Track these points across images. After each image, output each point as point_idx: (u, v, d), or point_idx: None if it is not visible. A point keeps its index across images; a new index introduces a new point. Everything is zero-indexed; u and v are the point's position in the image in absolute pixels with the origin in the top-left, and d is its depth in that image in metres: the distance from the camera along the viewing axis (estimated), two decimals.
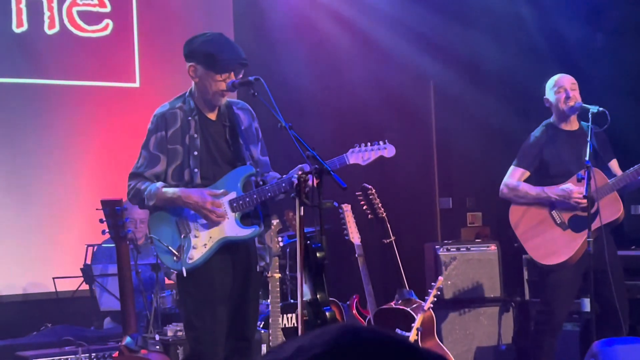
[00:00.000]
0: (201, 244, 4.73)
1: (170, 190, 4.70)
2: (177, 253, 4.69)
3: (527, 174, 6.10)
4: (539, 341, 6.06)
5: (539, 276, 6.31)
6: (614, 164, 6.13)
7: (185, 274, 4.68)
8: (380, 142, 4.90)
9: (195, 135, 4.76)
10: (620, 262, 6.04)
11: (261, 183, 4.85)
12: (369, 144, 4.87)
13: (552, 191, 5.97)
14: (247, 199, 4.74)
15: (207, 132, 4.80)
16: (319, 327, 3.94)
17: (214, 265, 4.74)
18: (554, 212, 6.01)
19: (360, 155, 4.83)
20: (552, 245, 5.98)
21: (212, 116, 4.85)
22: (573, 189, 5.88)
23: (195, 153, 4.75)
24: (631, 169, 5.90)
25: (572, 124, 6.12)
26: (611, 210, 5.73)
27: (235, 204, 4.75)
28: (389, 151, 4.93)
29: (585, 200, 5.71)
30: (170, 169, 4.77)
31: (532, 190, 6.02)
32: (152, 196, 4.70)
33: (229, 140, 4.84)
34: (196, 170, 4.74)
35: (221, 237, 4.75)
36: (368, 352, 1.34)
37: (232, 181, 4.78)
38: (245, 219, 4.81)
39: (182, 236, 4.71)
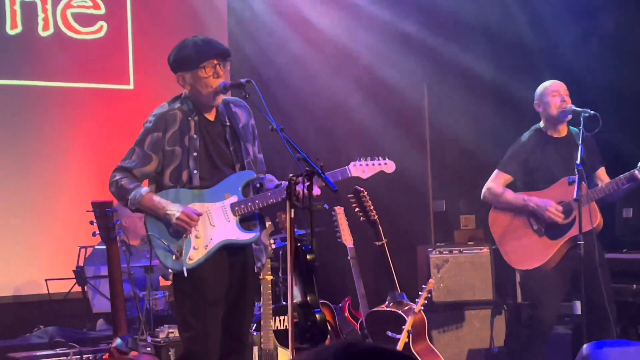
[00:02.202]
0: (202, 244, 4.73)
1: (156, 200, 4.71)
2: (176, 252, 4.69)
3: (510, 179, 6.14)
4: (528, 344, 6.07)
5: (523, 280, 6.31)
6: (601, 173, 6.14)
7: (185, 274, 4.69)
8: (381, 158, 5.11)
9: (195, 136, 4.76)
10: (607, 265, 6.05)
11: (258, 185, 4.87)
12: (368, 158, 5.04)
13: (532, 199, 5.99)
14: (249, 204, 4.77)
15: (206, 133, 4.81)
16: (309, 329, 3.93)
17: (211, 265, 4.74)
18: (531, 218, 6.02)
19: (361, 169, 5.02)
20: (527, 250, 5.99)
21: (211, 117, 4.86)
22: (550, 203, 5.90)
23: (195, 154, 4.75)
24: (611, 181, 5.91)
25: (562, 131, 6.13)
26: (587, 220, 5.70)
27: (237, 208, 4.76)
28: (389, 167, 5.15)
29: (559, 217, 5.85)
30: (168, 171, 4.76)
31: (513, 199, 6.06)
32: (136, 202, 4.71)
33: (229, 141, 4.85)
34: (195, 171, 4.74)
35: (222, 239, 4.75)
36: None
37: (233, 185, 4.79)
38: (243, 222, 4.82)
39: (183, 236, 4.72)
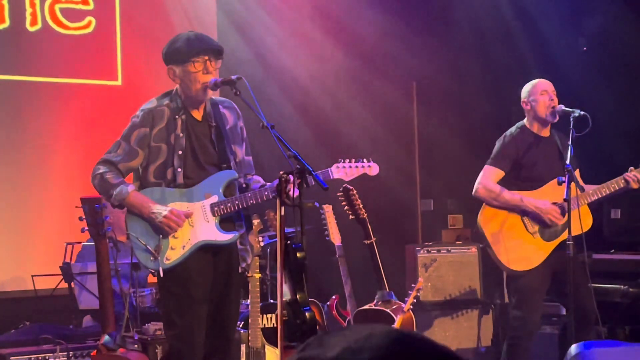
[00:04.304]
0: (179, 245, 4.71)
1: (142, 198, 4.69)
2: (154, 252, 4.67)
3: (502, 174, 6.02)
4: (515, 346, 6.04)
5: (508, 280, 6.22)
6: (576, 175, 6.13)
7: (162, 274, 4.67)
8: (365, 160, 5.00)
9: (181, 135, 4.75)
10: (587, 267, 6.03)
11: (244, 186, 4.85)
12: (353, 160, 4.95)
13: (531, 202, 5.92)
14: (229, 204, 4.73)
15: (192, 132, 4.79)
16: (299, 327, 3.89)
17: (196, 264, 4.73)
18: (525, 219, 5.97)
19: (344, 171, 4.91)
20: (522, 251, 5.93)
21: (198, 116, 4.83)
22: (551, 207, 5.87)
23: (180, 152, 4.73)
24: (604, 185, 5.91)
25: (546, 130, 6.11)
26: (578, 223, 5.68)
27: (216, 208, 4.74)
28: (372, 169, 5.03)
29: (559, 221, 5.82)
30: (152, 167, 4.75)
31: (511, 199, 5.94)
32: (120, 198, 4.68)
33: (215, 141, 4.82)
34: (179, 170, 4.73)
35: (200, 240, 4.73)
36: None
37: (214, 185, 4.77)
38: (225, 223, 4.80)
39: (161, 236, 4.69)
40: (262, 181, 4.91)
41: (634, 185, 5.91)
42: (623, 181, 5.91)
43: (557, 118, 6.02)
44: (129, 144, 4.76)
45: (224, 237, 4.77)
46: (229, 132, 4.85)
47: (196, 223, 4.74)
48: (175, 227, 4.67)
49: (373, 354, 1.30)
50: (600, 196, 5.93)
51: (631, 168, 5.92)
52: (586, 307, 5.78)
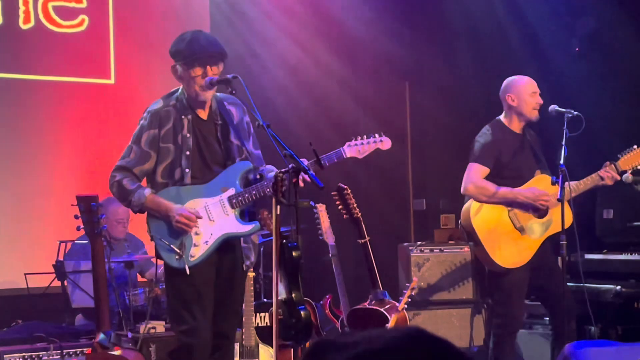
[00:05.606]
0: (202, 241, 4.72)
1: (159, 201, 4.71)
2: (179, 251, 4.67)
3: (488, 172, 5.96)
4: (502, 343, 6.04)
5: (491, 278, 6.18)
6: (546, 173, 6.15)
7: (188, 272, 4.67)
8: (376, 135, 4.97)
9: (188, 135, 4.76)
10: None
11: (258, 177, 4.85)
12: (365, 137, 4.92)
13: (520, 192, 5.91)
14: (246, 195, 4.75)
15: (198, 132, 4.80)
16: (293, 326, 3.90)
17: (201, 261, 4.75)
18: (511, 215, 5.96)
19: (357, 149, 4.89)
20: (512, 249, 5.91)
21: (204, 115, 4.85)
22: (540, 192, 5.87)
23: (188, 153, 4.75)
24: (581, 181, 5.90)
25: (520, 128, 6.09)
26: (560, 221, 5.67)
27: (234, 201, 4.76)
28: (385, 144, 5.01)
29: (547, 203, 5.83)
30: (161, 167, 4.77)
31: (500, 191, 5.90)
32: (139, 203, 4.70)
33: (220, 139, 4.84)
34: (187, 170, 4.74)
35: (223, 233, 4.75)
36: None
37: (230, 177, 4.79)
38: (243, 215, 4.81)
39: (184, 234, 4.70)
40: (276, 169, 4.88)
41: (609, 182, 5.91)
42: (598, 177, 5.90)
43: (538, 119, 6.03)
44: (140, 147, 4.77)
45: (246, 228, 4.79)
46: (236, 128, 4.85)
47: (216, 218, 4.76)
48: (188, 229, 4.68)
49: (386, 342, 1.38)
50: (578, 193, 5.92)
51: (607, 163, 5.91)
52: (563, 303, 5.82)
